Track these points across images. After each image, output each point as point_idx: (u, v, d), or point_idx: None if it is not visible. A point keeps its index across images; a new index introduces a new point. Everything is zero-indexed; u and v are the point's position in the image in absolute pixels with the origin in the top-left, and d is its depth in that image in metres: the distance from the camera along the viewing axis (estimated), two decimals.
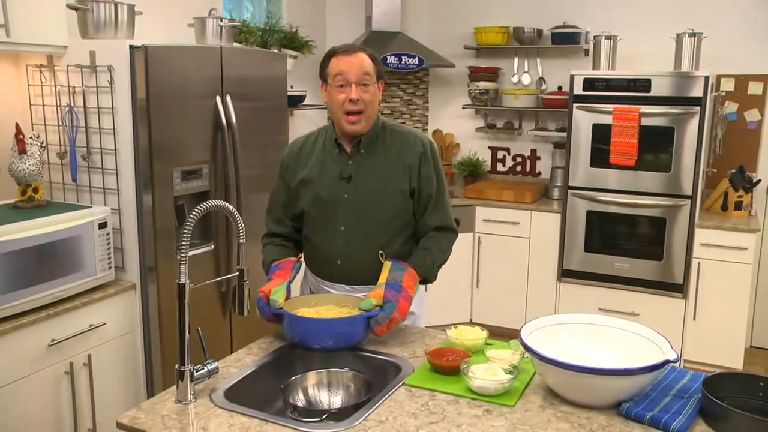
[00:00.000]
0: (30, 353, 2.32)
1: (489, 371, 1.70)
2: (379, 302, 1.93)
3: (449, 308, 4.49)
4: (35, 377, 2.34)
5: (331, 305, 2.01)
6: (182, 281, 1.61)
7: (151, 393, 2.76)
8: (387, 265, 2.05)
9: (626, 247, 4.13)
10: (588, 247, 4.22)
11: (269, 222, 2.27)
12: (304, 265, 2.26)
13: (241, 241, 1.74)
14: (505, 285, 4.51)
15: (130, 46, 2.56)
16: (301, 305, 2.00)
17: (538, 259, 4.41)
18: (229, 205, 1.70)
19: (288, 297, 1.99)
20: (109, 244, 2.60)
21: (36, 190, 2.59)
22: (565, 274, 4.30)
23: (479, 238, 4.53)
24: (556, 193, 4.60)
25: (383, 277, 2.01)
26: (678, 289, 4.01)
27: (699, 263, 3.94)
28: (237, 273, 1.77)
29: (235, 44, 3.44)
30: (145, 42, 2.57)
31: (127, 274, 2.71)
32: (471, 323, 4.52)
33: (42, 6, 2.56)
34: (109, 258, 2.61)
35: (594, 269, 4.22)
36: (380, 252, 2.09)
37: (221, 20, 3.12)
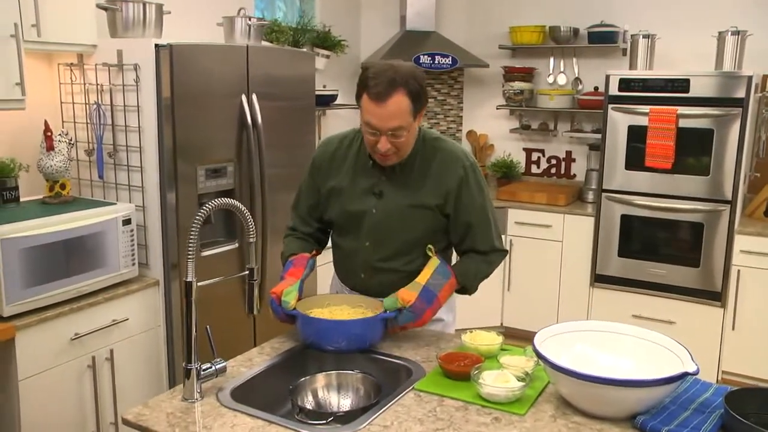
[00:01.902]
0: (53, 346, 2.36)
1: (500, 378, 1.65)
2: (404, 305, 1.89)
3: (480, 312, 4.40)
4: (58, 370, 2.38)
5: (345, 305, 1.99)
6: (189, 279, 1.61)
7: None
8: (433, 263, 1.98)
9: (662, 253, 4.00)
10: (622, 252, 4.10)
11: (295, 218, 2.21)
12: (332, 267, 2.23)
13: (251, 240, 1.73)
14: (537, 289, 4.41)
15: (156, 45, 2.58)
16: (314, 305, 1.98)
17: (570, 263, 4.30)
18: (238, 204, 1.69)
19: (300, 297, 1.97)
20: (132, 240, 2.63)
21: (63, 187, 2.64)
22: (599, 279, 4.19)
23: (511, 240, 4.45)
24: (590, 196, 4.48)
25: (424, 277, 1.95)
26: (716, 297, 3.87)
27: (738, 270, 3.79)
28: (247, 272, 1.76)
29: (264, 43, 3.45)
30: (172, 41, 2.59)
31: (150, 270, 2.74)
32: (502, 327, 4.47)
33: (72, 6, 2.61)
34: (133, 254, 2.64)
35: (628, 275, 4.09)
36: (429, 246, 2.01)
37: (250, 19, 3.13)
